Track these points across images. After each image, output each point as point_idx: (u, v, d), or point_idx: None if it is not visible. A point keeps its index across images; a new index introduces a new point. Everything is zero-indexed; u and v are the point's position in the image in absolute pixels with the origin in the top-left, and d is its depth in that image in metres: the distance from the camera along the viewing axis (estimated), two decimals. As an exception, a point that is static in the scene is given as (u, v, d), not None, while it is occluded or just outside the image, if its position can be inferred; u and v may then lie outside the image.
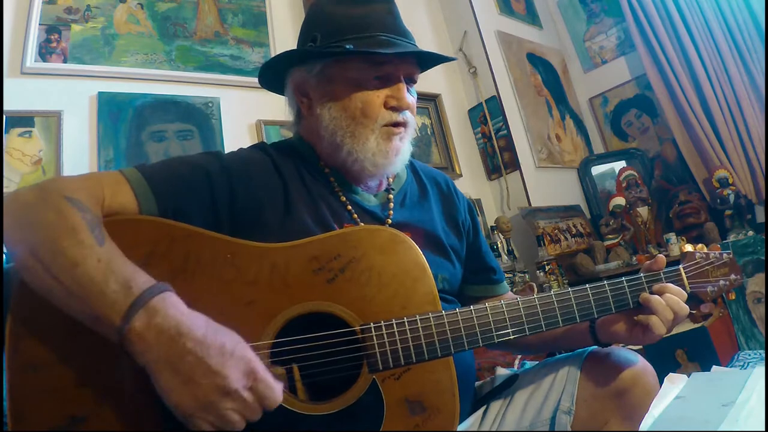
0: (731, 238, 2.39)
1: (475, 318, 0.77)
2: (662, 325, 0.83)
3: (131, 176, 0.78)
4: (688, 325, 2.00)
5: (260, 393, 0.62)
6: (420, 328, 0.75)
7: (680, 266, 0.90)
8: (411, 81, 0.95)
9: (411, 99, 0.94)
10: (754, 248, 2.23)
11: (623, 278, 0.86)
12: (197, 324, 0.63)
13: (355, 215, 0.92)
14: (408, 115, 0.93)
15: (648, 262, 0.90)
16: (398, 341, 0.74)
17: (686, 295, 0.86)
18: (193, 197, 0.81)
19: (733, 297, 0.96)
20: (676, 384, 0.79)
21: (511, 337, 0.79)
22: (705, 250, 0.95)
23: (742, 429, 0.63)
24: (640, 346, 1.90)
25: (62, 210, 0.67)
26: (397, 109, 0.91)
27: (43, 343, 0.66)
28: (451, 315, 0.77)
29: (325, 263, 0.76)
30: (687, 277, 0.89)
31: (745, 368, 1.84)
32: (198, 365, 0.60)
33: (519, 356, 1.63)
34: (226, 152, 0.92)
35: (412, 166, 1.08)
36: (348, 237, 0.79)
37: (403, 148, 0.93)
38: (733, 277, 0.94)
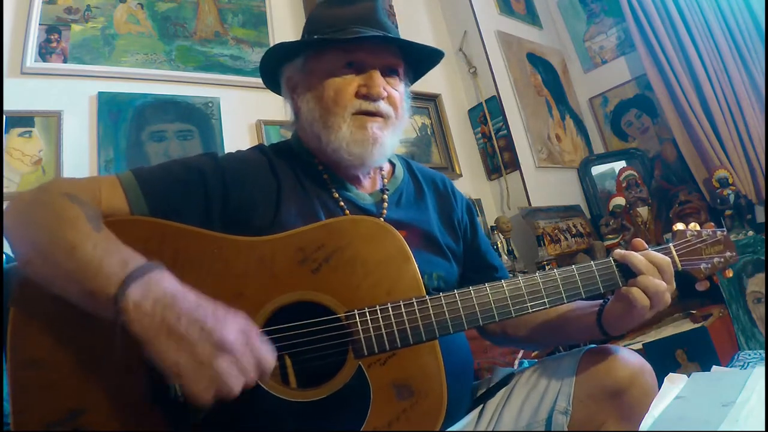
0: (731, 237, 2.39)
1: (459, 302, 0.78)
2: (644, 277, 0.80)
3: (125, 180, 0.80)
4: (688, 325, 2.01)
5: (255, 350, 0.63)
6: (404, 313, 0.75)
7: (670, 244, 0.89)
8: (392, 72, 0.95)
9: (392, 91, 0.94)
10: (754, 248, 2.23)
11: (610, 258, 0.85)
12: (190, 294, 0.64)
13: (348, 212, 0.93)
14: (383, 106, 0.92)
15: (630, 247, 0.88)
16: (382, 326, 0.74)
17: (668, 260, 0.83)
18: (186, 197, 0.83)
19: (731, 274, 0.94)
20: (676, 384, 0.79)
21: (497, 319, 0.79)
22: (697, 228, 0.93)
23: (742, 429, 0.63)
24: (640, 346, 1.90)
25: (61, 205, 0.70)
26: (368, 97, 0.91)
27: (43, 340, 0.68)
28: (435, 300, 0.77)
29: (310, 254, 0.77)
30: (678, 254, 0.88)
31: (745, 368, 1.84)
32: (193, 324, 0.61)
33: (519, 356, 1.63)
34: (223, 153, 0.93)
35: (409, 167, 1.09)
36: (332, 227, 0.80)
37: (382, 138, 0.91)
38: (728, 254, 0.92)
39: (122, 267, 0.63)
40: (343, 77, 0.91)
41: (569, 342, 0.92)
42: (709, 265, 0.90)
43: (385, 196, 0.98)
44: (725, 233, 0.95)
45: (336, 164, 0.95)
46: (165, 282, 0.64)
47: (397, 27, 0.98)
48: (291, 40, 0.97)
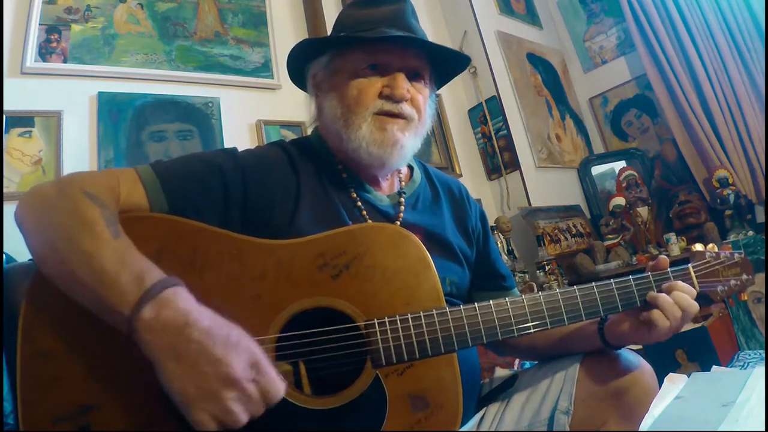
0: (731, 238, 2.39)
1: (479, 315, 0.77)
2: (666, 320, 0.81)
3: (145, 175, 0.79)
4: (688, 325, 2.00)
5: (263, 386, 0.62)
6: (423, 325, 0.75)
7: (689, 265, 0.89)
8: (416, 76, 0.95)
9: (416, 94, 0.93)
10: (754, 248, 2.23)
11: (630, 277, 0.85)
12: (204, 316, 0.63)
13: (365, 212, 0.92)
14: (406, 108, 0.91)
15: (652, 262, 0.88)
16: (401, 337, 0.74)
17: (695, 292, 0.84)
18: (205, 195, 0.82)
19: (746, 298, 0.94)
20: (676, 384, 0.79)
21: (516, 334, 0.79)
22: (716, 249, 0.93)
23: (742, 429, 0.63)
24: (640, 347, 1.90)
25: (80, 204, 0.68)
26: (390, 98, 0.90)
27: (55, 333, 0.67)
28: (455, 312, 0.77)
29: (330, 259, 0.76)
30: (696, 276, 0.88)
31: (745, 368, 1.84)
32: (202, 353, 0.60)
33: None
34: (243, 149, 0.93)
35: (426, 172, 1.09)
36: (353, 234, 0.80)
37: (403, 140, 0.91)
38: (744, 277, 0.92)
39: (138, 284, 0.62)
40: (367, 78, 0.91)
41: (570, 353, 0.92)
42: (726, 288, 0.90)
43: (402, 199, 0.98)
44: (743, 255, 0.94)
45: (355, 164, 0.95)
46: (180, 301, 0.62)
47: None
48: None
